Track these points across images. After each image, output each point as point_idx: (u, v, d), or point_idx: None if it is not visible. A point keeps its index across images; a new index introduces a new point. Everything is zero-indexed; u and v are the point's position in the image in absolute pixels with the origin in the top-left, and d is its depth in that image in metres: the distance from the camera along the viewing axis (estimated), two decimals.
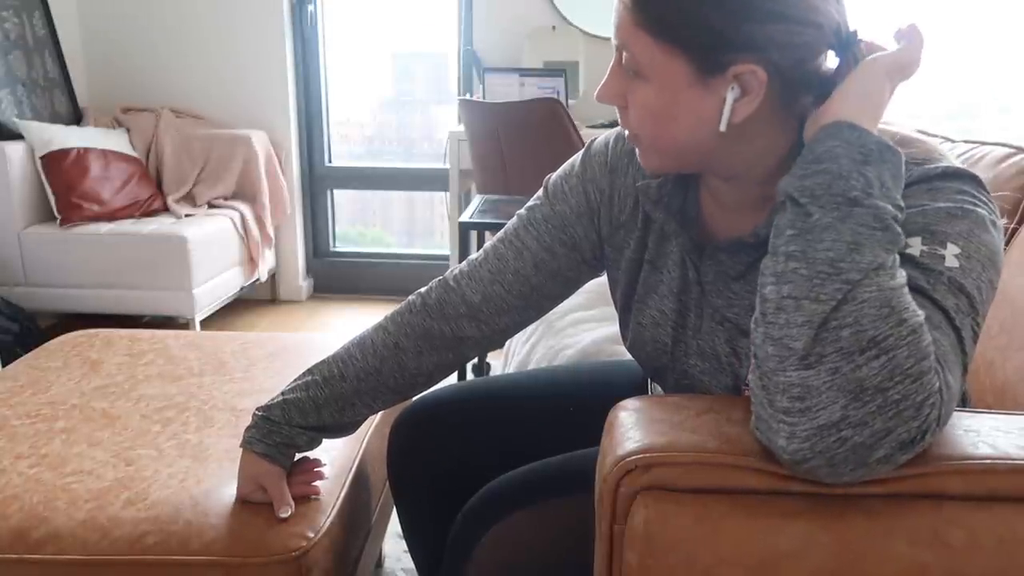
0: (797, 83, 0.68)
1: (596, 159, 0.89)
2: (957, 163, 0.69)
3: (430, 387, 0.97)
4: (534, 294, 0.90)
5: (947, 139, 1.19)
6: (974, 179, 0.68)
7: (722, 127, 0.68)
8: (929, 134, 1.25)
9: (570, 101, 2.79)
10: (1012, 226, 1.00)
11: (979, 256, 0.64)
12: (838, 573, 0.56)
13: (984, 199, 0.67)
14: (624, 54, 0.70)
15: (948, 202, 0.65)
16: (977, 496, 0.57)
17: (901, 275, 0.59)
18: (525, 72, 2.88)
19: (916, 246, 0.63)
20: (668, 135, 0.71)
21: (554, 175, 0.92)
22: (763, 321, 0.61)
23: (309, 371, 0.94)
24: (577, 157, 0.91)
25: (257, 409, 0.93)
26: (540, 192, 0.92)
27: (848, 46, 0.68)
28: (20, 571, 0.90)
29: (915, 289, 0.61)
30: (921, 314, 0.58)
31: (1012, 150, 1.03)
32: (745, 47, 0.65)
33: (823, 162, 0.61)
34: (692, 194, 0.83)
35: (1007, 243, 1.00)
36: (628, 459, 0.59)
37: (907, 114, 1.40)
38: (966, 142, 1.14)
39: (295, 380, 0.94)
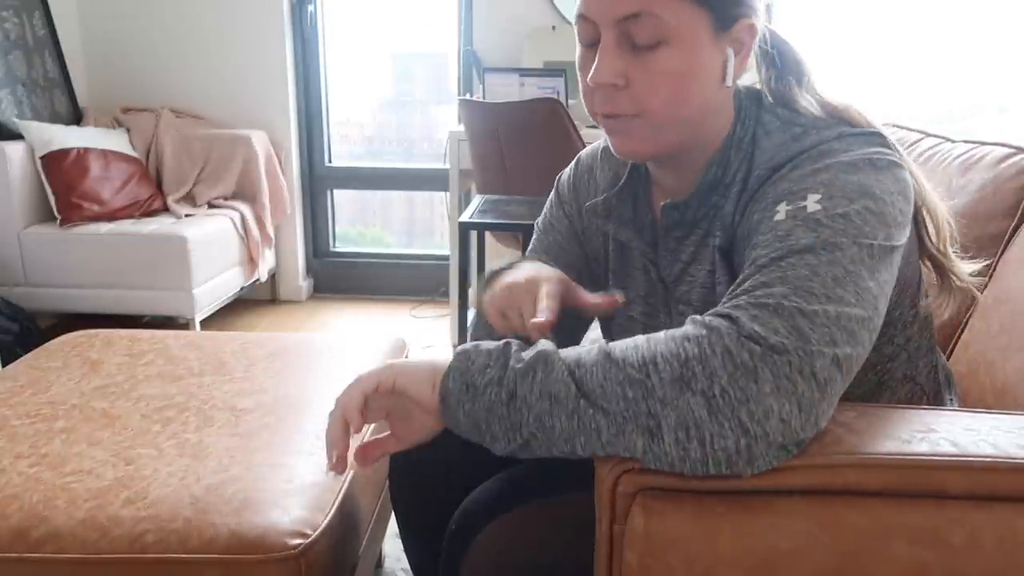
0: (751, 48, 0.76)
1: (564, 184, 0.97)
2: (872, 127, 0.74)
3: None
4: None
5: (947, 139, 1.19)
6: (870, 136, 0.72)
7: (728, 82, 0.74)
8: (929, 133, 1.25)
9: (570, 101, 2.79)
10: (1012, 226, 1.00)
11: (844, 192, 0.66)
12: (838, 573, 0.56)
13: (876, 147, 0.71)
14: (636, 27, 0.70)
15: (816, 163, 0.69)
16: (978, 495, 0.57)
17: (560, 367, 0.63)
18: (525, 72, 2.88)
19: (782, 211, 0.67)
20: (688, 95, 0.73)
21: (540, 216, 1.00)
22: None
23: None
24: (552, 192, 0.99)
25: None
26: (534, 235, 0.99)
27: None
28: (20, 570, 0.90)
29: (765, 257, 0.64)
30: (592, 350, 0.63)
31: (1012, 150, 1.03)
32: (749, 4, 0.73)
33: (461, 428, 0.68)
34: (642, 200, 0.88)
35: (1007, 242, 1.00)
36: (627, 459, 0.59)
37: (908, 115, 1.40)
38: (966, 142, 1.14)
39: None
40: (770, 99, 0.79)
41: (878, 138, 0.73)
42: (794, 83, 0.80)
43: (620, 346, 0.63)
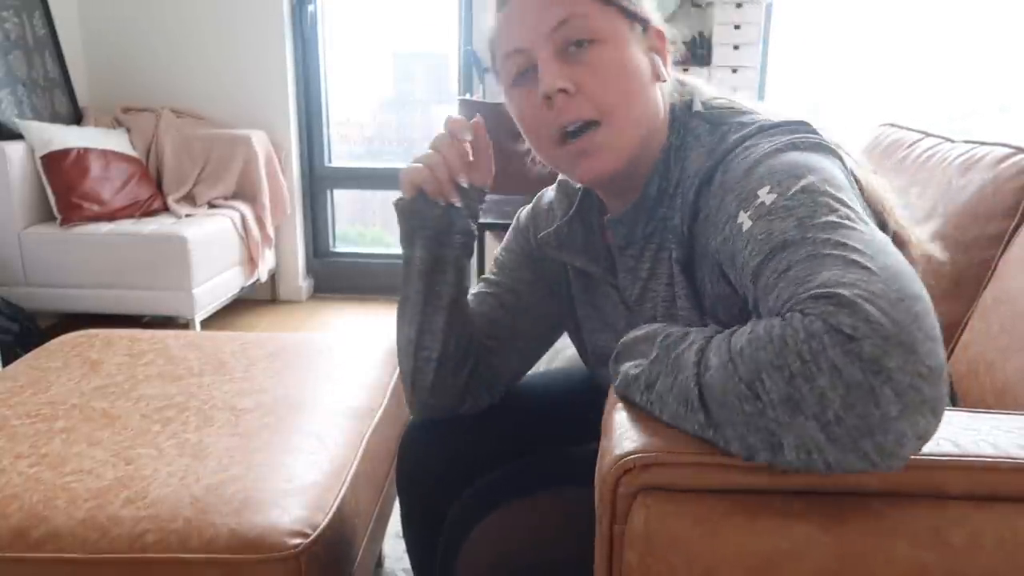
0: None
1: (525, 216, 0.99)
2: (779, 117, 0.75)
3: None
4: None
5: (947, 139, 1.19)
6: (794, 124, 0.73)
7: (665, 76, 0.79)
8: (929, 133, 1.25)
9: None
10: (1012, 226, 1.00)
11: (789, 173, 0.64)
12: (839, 573, 0.56)
13: (800, 133, 0.71)
14: (568, 32, 0.74)
15: (745, 163, 0.69)
16: (978, 495, 0.57)
17: (690, 370, 0.59)
18: None
19: (745, 219, 0.64)
20: (635, 89, 0.76)
21: (496, 251, 1.01)
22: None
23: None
24: (512, 223, 1.01)
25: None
26: (494, 265, 1.00)
27: None
28: (20, 570, 0.90)
29: (758, 260, 0.61)
30: (700, 338, 0.60)
31: (1012, 150, 1.03)
32: (651, 17, 0.80)
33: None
34: (595, 228, 0.89)
35: (1007, 242, 1.00)
36: (626, 459, 0.59)
37: (909, 117, 1.40)
38: (966, 142, 1.13)
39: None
40: (700, 106, 0.81)
41: (801, 125, 0.73)
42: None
43: (736, 345, 0.56)
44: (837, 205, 0.60)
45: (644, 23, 0.79)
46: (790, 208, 0.61)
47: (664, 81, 0.80)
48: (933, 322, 0.52)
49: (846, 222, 0.59)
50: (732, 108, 0.80)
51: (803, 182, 0.63)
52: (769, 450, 0.54)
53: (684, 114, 0.81)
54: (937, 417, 0.51)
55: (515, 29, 0.77)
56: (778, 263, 0.58)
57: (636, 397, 0.64)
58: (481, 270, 2.77)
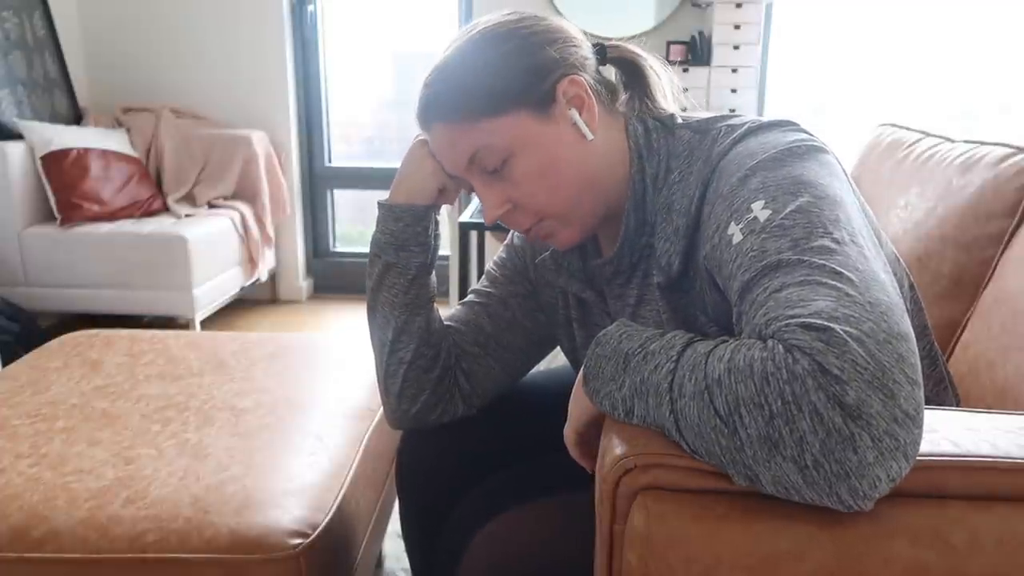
0: (602, 83, 0.80)
1: (517, 232, 0.96)
2: (760, 120, 0.74)
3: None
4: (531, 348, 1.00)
5: (947, 139, 1.19)
6: (782, 122, 0.72)
7: (589, 135, 0.76)
8: (929, 133, 1.25)
9: None
10: (1012, 225, 1.00)
11: (784, 190, 0.63)
12: (838, 573, 0.56)
13: (793, 134, 0.70)
14: (482, 162, 0.76)
15: (739, 170, 0.68)
16: (978, 495, 0.57)
17: (664, 398, 0.58)
18: None
19: (736, 232, 0.64)
20: (562, 179, 0.76)
21: (489, 265, 1.01)
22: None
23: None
24: (507, 239, 1.01)
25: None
26: (485, 279, 1.00)
27: (603, 52, 0.82)
28: (20, 570, 0.90)
29: (749, 275, 0.60)
30: (716, 352, 0.56)
31: (1012, 150, 1.03)
32: (555, 67, 0.75)
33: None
34: (591, 251, 0.89)
35: (1007, 242, 1.00)
36: (626, 459, 0.59)
37: (911, 116, 1.40)
38: (966, 142, 1.13)
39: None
40: (679, 119, 0.80)
41: (789, 124, 0.73)
42: (656, 97, 0.82)
43: (714, 371, 0.55)
44: (832, 228, 0.60)
45: (550, 92, 0.74)
46: (785, 228, 0.60)
47: (593, 137, 0.76)
48: (915, 362, 0.53)
49: (841, 247, 0.59)
50: (711, 117, 0.79)
51: (800, 201, 0.62)
52: (746, 480, 0.54)
53: (662, 134, 0.79)
54: (909, 461, 0.52)
55: (442, 160, 0.81)
56: (770, 281, 0.58)
57: (620, 421, 0.63)
58: (481, 270, 2.77)
